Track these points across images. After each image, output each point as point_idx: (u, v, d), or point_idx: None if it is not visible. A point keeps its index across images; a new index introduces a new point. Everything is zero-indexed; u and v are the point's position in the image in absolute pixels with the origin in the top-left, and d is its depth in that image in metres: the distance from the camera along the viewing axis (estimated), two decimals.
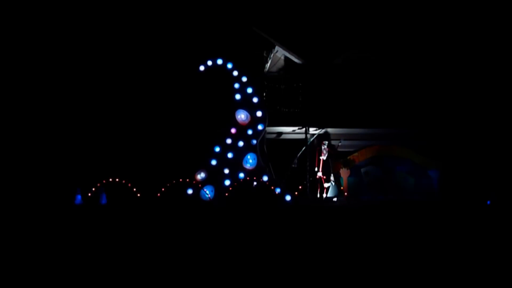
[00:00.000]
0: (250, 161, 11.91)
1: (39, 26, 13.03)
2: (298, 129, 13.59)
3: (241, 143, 12.04)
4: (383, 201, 12.43)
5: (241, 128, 12.14)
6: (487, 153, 13.43)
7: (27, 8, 13.17)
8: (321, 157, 13.08)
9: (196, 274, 5.55)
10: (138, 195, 10.65)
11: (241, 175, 11.79)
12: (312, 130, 13.69)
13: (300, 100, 13.81)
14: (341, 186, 13.04)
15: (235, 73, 12.40)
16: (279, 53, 13.84)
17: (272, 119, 12.80)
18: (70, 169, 12.26)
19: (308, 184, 12.77)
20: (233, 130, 12.06)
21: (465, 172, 13.17)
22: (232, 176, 11.77)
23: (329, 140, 13.66)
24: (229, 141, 12.03)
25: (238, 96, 12.31)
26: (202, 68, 12.34)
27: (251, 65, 12.57)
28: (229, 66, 12.41)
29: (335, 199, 12.53)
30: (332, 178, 12.94)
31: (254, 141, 12.09)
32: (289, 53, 13.73)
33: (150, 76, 13.07)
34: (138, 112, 12.88)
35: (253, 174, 11.74)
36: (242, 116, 12.07)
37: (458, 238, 7.83)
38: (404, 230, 8.45)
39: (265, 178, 11.69)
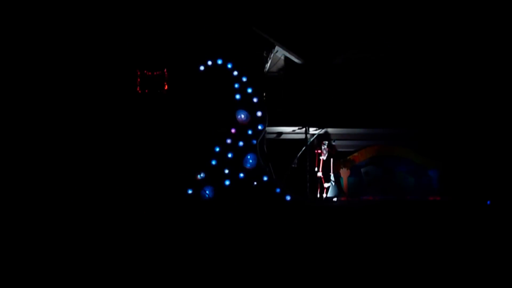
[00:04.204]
0: (250, 161, 11.92)
1: (38, 26, 13.01)
2: (298, 129, 13.59)
3: (241, 143, 12.04)
4: (383, 201, 12.43)
5: (241, 128, 12.14)
6: (487, 153, 13.42)
7: (26, 8, 13.15)
8: (321, 157, 13.08)
9: (196, 273, 5.55)
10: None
11: (241, 175, 11.79)
12: (312, 130, 13.68)
13: (300, 100, 13.80)
14: (341, 186, 13.04)
15: (235, 73, 12.40)
16: (279, 53, 13.82)
17: (272, 119, 12.79)
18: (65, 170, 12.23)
19: (308, 184, 12.76)
20: (233, 130, 12.07)
21: (465, 172, 13.17)
22: (232, 176, 11.77)
23: (329, 140, 13.66)
24: (229, 141, 12.05)
25: (238, 96, 12.32)
26: (202, 68, 12.35)
27: (251, 65, 12.55)
28: (229, 66, 12.42)
29: (335, 199, 12.53)
30: (332, 178, 12.93)
31: (254, 141, 12.09)
32: (289, 53, 13.71)
33: (150, 75, 13.04)
34: (138, 112, 12.85)
35: (253, 174, 11.73)
36: (242, 116, 12.06)
37: (458, 238, 7.84)
38: (404, 230, 8.46)
39: (265, 178, 11.68)
